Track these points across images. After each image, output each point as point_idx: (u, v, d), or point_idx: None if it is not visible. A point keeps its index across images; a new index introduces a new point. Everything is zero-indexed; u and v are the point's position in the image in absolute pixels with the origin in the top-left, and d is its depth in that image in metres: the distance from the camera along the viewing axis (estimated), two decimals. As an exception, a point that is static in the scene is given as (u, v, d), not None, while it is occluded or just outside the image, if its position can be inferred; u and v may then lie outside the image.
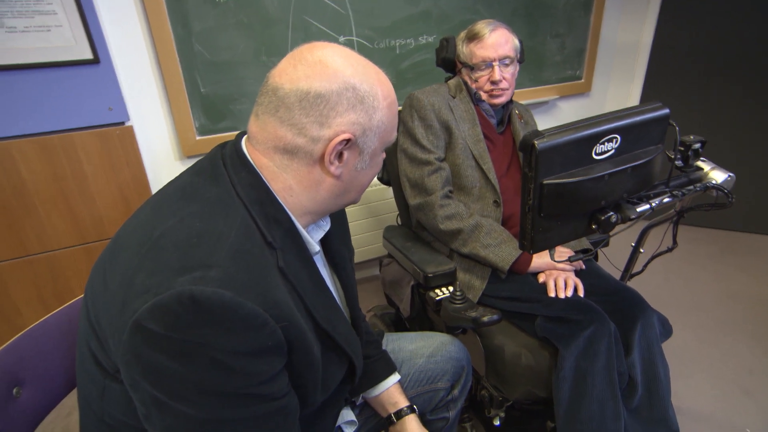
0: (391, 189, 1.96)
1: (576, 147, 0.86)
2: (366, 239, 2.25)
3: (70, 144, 1.55)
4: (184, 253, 0.56)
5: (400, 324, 1.59)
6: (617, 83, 2.78)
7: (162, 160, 1.86)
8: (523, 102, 2.44)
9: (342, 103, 0.64)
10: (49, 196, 1.58)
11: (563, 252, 1.27)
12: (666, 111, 0.92)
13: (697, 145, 1.01)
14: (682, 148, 1.01)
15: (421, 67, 2.12)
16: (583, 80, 2.63)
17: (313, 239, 0.76)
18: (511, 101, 1.45)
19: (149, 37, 1.68)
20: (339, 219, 0.91)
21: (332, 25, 1.90)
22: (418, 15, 2.04)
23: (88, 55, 1.48)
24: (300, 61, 0.65)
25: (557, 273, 1.22)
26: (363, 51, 1.99)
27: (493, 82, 1.36)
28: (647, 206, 0.97)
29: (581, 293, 1.18)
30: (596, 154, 0.89)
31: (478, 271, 1.27)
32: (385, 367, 1.00)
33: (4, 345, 0.87)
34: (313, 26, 1.86)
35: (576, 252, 1.32)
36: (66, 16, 1.42)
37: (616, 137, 0.89)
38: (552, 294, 1.16)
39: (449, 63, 1.46)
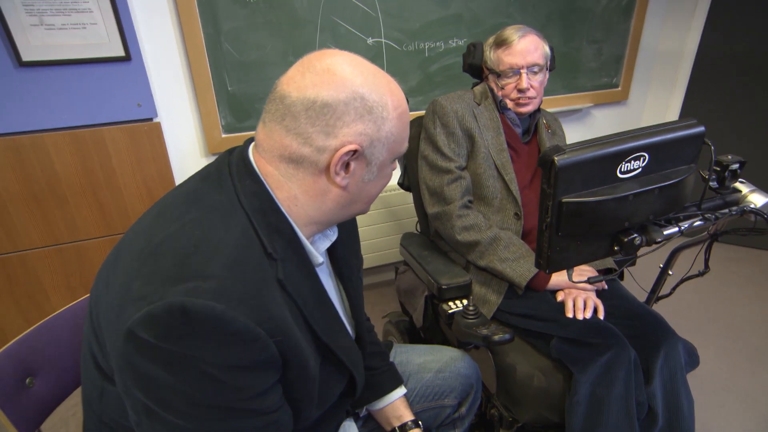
0: (411, 194, 1.93)
1: (599, 164, 0.82)
2: (386, 243, 2.23)
3: (100, 138, 1.59)
4: (181, 262, 0.56)
5: (414, 333, 1.56)
6: (657, 92, 2.66)
7: (188, 157, 1.90)
8: (555, 109, 2.37)
9: (349, 112, 0.62)
10: (80, 188, 1.63)
11: (584, 271, 1.21)
12: (701, 129, 0.86)
13: (735, 166, 0.94)
14: (718, 169, 0.95)
15: (451, 71, 2.08)
16: (620, 88, 2.53)
17: (318, 249, 0.75)
18: (538, 110, 1.40)
19: (180, 35, 1.71)
20: (349, 228, 0.90)
21: (361, 27, 1.88)
22: (449, 18, 2.00)
23: (120, 52, 1.51)
24: (308, 68, 0.64)
25: (577, 292, 1.16)
26: (391, 53, 1.97)
27: (520, 90, 1.31)
28: (675, 229, 0.91)
29: (601, 315, 1.13)
30: (621, 173, 0.84)
31: (494, 285, 1.23)
32: (391, 379, 0.98)
33: (20, 335, 0.90)
34: (341, 27, 1.85)
35: (599, 271, 1.26)
36: (101, 14, 1.46)
37: (643, 155, 0.84)
38: (570, 314, 1.11)
39: (476, 69, 1.42)
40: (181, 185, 0.71)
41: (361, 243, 2.17)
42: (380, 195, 2.15)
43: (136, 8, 1.64)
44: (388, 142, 0.67)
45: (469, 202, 1.30)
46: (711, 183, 0.95)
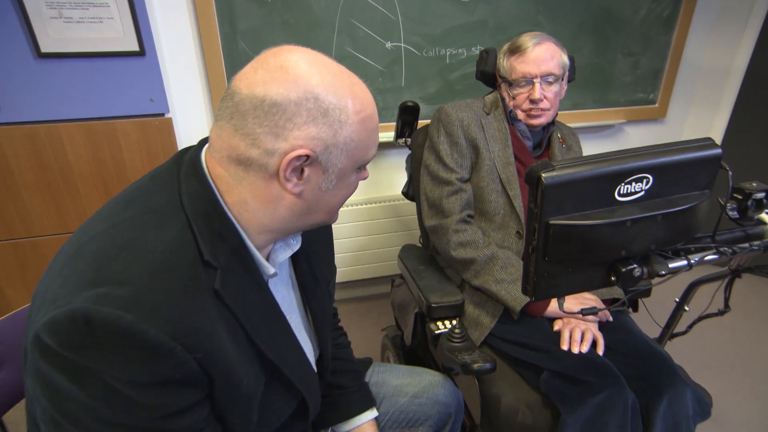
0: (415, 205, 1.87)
1: (594, 185, 0.73)
2: (390, 254, 2.17)
3: (112, 131, 1.61)
4: (100, 266, 0.52)
5: (408, 349, 1.49)
6: (699, 111, 2.49)
7: (200, 154, 1.90)
8: (584, 124, 2.25)
9: (301, 114, 0.57)
10: (90, 178, 1.66)
11: (587, 299, 1.11)
12: (717, 151, 0.76)
13: (761, 195, 0.83)
14: (740, 197, 0.84)
15: (472, 79, 2.01)
16: (657, 105, 2.38)
17: (276, 259, 0.70)
18: (553, 123, 1.31)
19: (196, 33, 1.71)
20: (323, 237, 0.85)
21: (380, 30, 1.84)
22: (473, 24, 1.93)
23: (135, 47, 1.53)
24: (262, 64, 0.59)
25: (576, 322, 1.07)
26: (411, 58, 1.92)
27: (533, 101, 1.23)
28: (684, 262, 0.81)
29: (600, 350, 1.02)
30: (620, 195, 0.75)
31: (489, 307, 1.15)
32: (361, 401, 0.92)
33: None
34: (359, 30, 1.82)
35: (605, 301, 1.15)
36: (117, 9, 1.48)
37: (647, 177, 0.75)
38: (565, 346, 1.02)
39: (488, 77, 1.35)
40: (135, 182, 0.68)
41: (367, 252, 2.13)
42: (390, 203, 2.09)
43: (154, 4, 1.66)
44: (347, 149, 0.61)
45: (469, 216, 1.22)
46: (730, 212, 0.84)
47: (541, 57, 1.21)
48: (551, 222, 0.74)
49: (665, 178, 0.75)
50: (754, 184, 0.84)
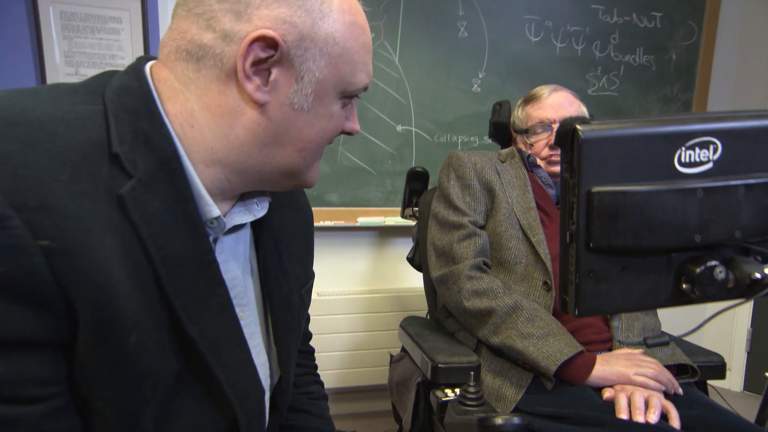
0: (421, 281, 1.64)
1: (645, 146, 0.57)
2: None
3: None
4: None
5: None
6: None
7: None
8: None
9: None
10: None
11: (643, 362, 0.83)
12: (798, 120, 0.60)
13: None
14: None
15: (485, 167, 1.95)
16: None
17: (231, 221, 0.52)
18: (576, 175, 1.17)
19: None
20: (302, 231, 0.67)
21: (390, 113, 1.85)
22: (486, 113, 1.93)
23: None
24: None
25: (633, 388, 0.78)
26: (421, 142, 1.89)
27: (552, 147, 1.12)
28: (782, 269, 0.59)
29: (675, 423, 0.73)
30: (681, 165, 0.58)
31: (513, 375, 0.88)
32: None
33: None
34: (370, 111, 1.82)
35: (668, 367, 0.87)
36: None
37: (714, 143, 0.58)
38: (624, 415, 0.73)
39: (502, 129, 1.27)
40: None
41: (365, 352, 1.82)
42: (394, 295, 1.87)
43: None
44: (328, 51, 0.48)
45: (485, 264, 1.02)
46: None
47: (559, 102, 1.14)
48: (594, 190, 0.55)
49: (738, 148, 0.58)
50: None
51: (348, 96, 0.52)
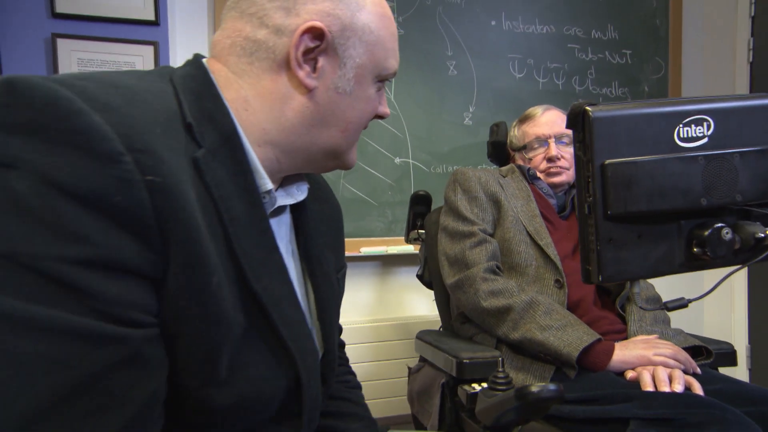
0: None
1: (648, 124, 0.64)
2: (401, 387, 1.85)
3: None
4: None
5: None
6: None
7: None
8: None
9: None
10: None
11: (659, 344, 0.86)
12: (776, 101, 0.69)
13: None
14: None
15: (481, 195, 2.02)
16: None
17: (275, 202, 0.57)
18: (574, 186, 1.25)
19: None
20: (333, 223, 0.71)
21: (389, 146, 1.93)
22: (478, 144, 2.04)
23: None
24: None
25: (654, 366, 0.81)
26: (419, 173, 1.97)
27: (550, 159, 1.20)
28: (784, 230, 0.65)
29: (699, 392, 0.75)
30: (681, 140, 0.65)
31: (536, 369, 0.90)
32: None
33: None
34: (369, 145, 1.91)
35: (685, 348, 0.89)
36: None
37: (707, 120, 0.65)
38: (650, 388, 0.75)
39: (500, 148, 1.35)
40: None
41: (372, 383, 1.80)
42: (401, 323, 1.88)
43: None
44: (366, 39, 0.55)
45: (497, 267, 1.06)
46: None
47: (552, 120, 1.23)
48: (607, 162, 0.62)
49: (728, 124, 0.66)
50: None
51: (381, 80, 0.59)
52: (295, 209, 0.63)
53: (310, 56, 0.53)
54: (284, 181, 0.60)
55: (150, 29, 1.58)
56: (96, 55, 1.52)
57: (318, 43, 0.52)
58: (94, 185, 0.35)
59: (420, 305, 1.99)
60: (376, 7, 0.56)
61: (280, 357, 0.49)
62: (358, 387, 0.74)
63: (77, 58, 1.51)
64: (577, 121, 0.63)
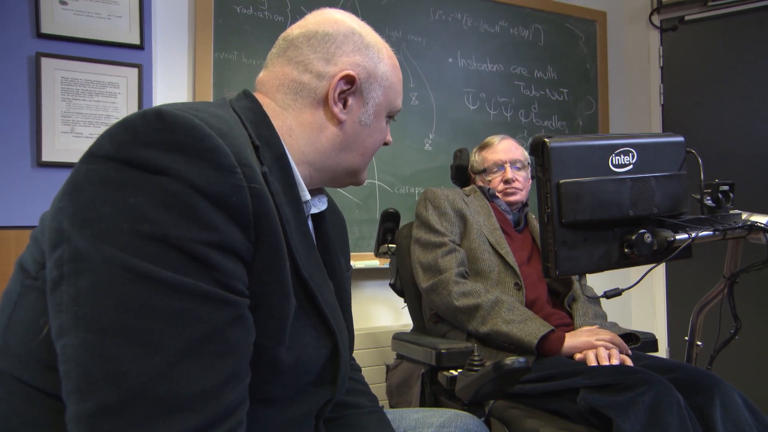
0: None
1: (590, 153, 0.83)
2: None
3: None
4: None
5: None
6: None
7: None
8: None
9: (348, 44, 0.68)
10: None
11: (601, 332, 1.06)
12: (680, 138, 0.91)
13: (726, 188, 0.95)
14: (709, 190, 0.95)
15: (440, 214, 2.21)
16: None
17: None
18: (526, 204, 1.45)
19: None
20: (340, 228, 0.85)
21: (357, 168, 2.08)
22: (436, 168, 2.24)
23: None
24: (310, 15, 0.72)
25: (597, 348, 1.00)
26: (384, 194, 2.13)
27: (506, 182, 1.39)
28: (686, 235, 0.86)
29: (631, 365, 0.94)
30: (614, 166, 0.85)
31: (502, 357, 1.06)
32: (380, 424, 0.76)
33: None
34: (339, 166, 2.05)
35: (620, 336, 1.10)
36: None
37: (632, 151, 0.86)
38: (594, 364, 0.93)
39: (462, 171, 1.53)
40: None
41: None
42: (367, 332, 2.00)
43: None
44: (383, 84, 0.70)
45: (466, 272, 1.23)
46: (707, 201, 0.94)
47: (508, 147, 1.44)
48: (561, 182, 0.80)
49: (646, 156, 0.87)
50: (716, 180, 0.97)
51: (390, 115, 0.74)
52: (315, 218, 0.76)
53: (342, 96, 0.67)
54: (311, 194, 0.73)
55: (134, 52, 1.65)
56: (80, 75, 1.57)
57: (349, 86, 0.67)
58: (220, 189, 0.47)
59: (385, 316, 2.13)
60: (391, 60, 0.72)
61: (322, 331, 0.61)
62: (359, 369, 0.87)
63: (61, 76, 1.55)
64: (537, 149, 0.81)
